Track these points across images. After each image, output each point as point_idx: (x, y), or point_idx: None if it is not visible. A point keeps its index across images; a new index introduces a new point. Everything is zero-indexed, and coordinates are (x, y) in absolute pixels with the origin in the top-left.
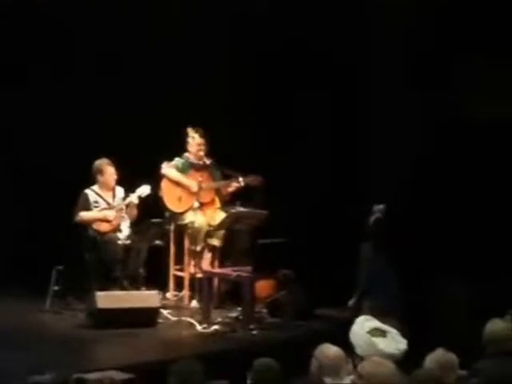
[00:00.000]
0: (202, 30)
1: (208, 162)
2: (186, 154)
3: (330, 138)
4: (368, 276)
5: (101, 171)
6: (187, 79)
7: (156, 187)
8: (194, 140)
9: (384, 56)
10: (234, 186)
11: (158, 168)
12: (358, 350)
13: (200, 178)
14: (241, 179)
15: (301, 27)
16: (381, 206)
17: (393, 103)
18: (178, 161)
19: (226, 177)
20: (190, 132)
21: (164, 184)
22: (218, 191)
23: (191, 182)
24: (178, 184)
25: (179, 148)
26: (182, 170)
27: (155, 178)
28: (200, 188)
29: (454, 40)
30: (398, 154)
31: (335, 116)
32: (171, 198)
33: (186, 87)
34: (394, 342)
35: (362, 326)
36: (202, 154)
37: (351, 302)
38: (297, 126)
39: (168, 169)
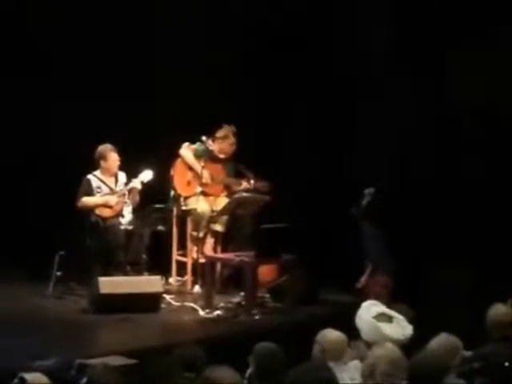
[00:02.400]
0: (202, 30)
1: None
2: (204, 138)
3: (327, 128)
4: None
5: (104, 157)
6: (187, 77)
7: (170, 165)
8: (228, 139)
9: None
10: (243, 186)
11: (178, 147)
12: (364, 335)
13: (204, 166)
14: (252, 182)
15: (301, 27)
16: (371, 189)
17: (382, 87)
18: (198, 145)
19: (239, 174)
20: (226, 130)
21: (178, 164)
22: (227, 186)
23: (205, 172)
24: (190, 168)
25: (183, 136)
26: (200, 155)
27: (166, 160)
28: (212, 180)
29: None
30: (392, 140)
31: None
32: (181, 180)
33: (186, 85)
34: (400, 328)
35: (368, 311)
36: (232, 152)
37: (363, 279)
38: (297, 113)
39: (186, 151)
